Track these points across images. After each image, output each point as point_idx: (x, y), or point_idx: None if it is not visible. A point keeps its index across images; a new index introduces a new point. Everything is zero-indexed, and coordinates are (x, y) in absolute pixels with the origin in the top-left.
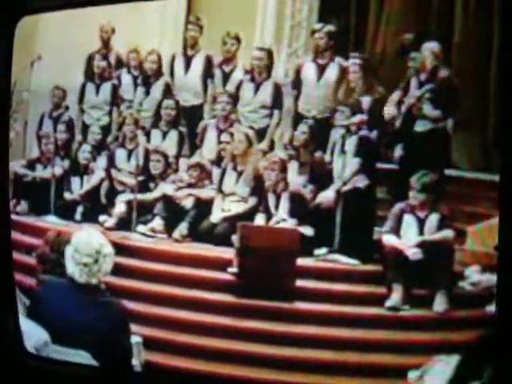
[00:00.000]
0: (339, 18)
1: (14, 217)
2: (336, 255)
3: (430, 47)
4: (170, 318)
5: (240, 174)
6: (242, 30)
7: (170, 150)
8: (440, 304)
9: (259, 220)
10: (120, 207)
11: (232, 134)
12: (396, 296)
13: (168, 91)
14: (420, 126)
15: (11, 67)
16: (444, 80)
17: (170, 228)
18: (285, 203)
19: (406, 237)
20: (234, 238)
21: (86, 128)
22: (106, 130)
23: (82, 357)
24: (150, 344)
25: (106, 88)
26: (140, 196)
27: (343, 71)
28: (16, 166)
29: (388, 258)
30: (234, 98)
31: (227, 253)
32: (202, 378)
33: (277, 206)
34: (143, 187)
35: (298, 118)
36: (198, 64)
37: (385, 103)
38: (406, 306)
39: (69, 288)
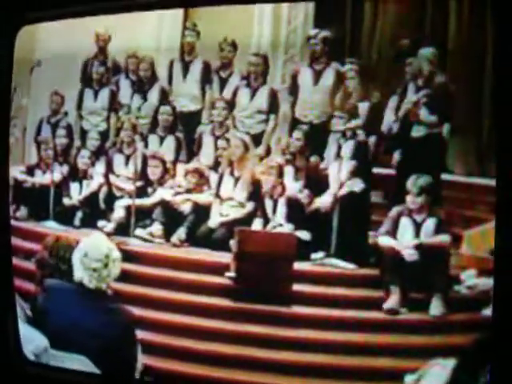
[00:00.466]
0: (335, 25)
1: (13, 222)
2: (333, 259)
3: (426, 53)
4: (168, 322)
5: (237, 179)
6: (238, 37)
7: (168, 156)
8: (436, 307)
9: (257, 225)
10: (118, 212)
11: (228, 140)
12: (394, 298)
13: (164, 97)
14: (416, 132)
15: (12, 76)
16: (440, 86)
17: (168, 233)
18: (282, 208)
19: (403, 239)
20: (232, 242)
21: (84, 134)
22: (104, 135)
23: (82, 362)
24: (147, 348)
25: (104, 94)
26: (138, 201)
27: (340, 77)
28: (15, 171)
29: (385, 260)
30: (230, 104)
31: (225, 257)
32: (199, 382)
33: (274, 211)
34: (141, 192)
35: (294, 124)
36: (195, 70)
37: (382, 109)
38: (404, 309)
39: (76, 293)
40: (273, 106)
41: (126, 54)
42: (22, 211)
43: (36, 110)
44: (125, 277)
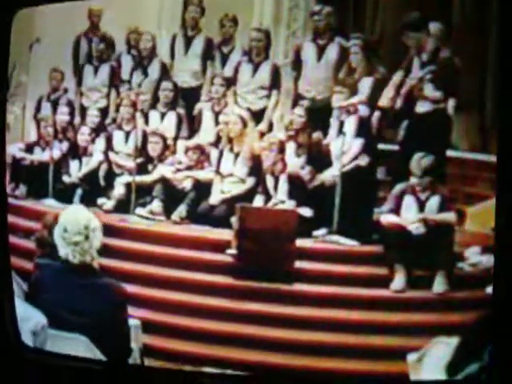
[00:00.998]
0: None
1: (12, 200)
2: (335, 236)
3: (431, 28)
4: (169, 300)
5: (237, 155)
6: (240, 12)
7: (169, 132)
8: (440, 284)
9: (258, 202)
10: (119, 190)
11: (228, 116)
12: (400, 278)
13: (165, 72)
14: (421, 107)
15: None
16: (445, 61)
17: (168, 210)
18: (283, 185)
19: (406, 217)
20: (233, 219)
21: (84, 110)
22: (104, 112)
23: (80, 342)
24: (148, 327)
25: (105, 70)
26: (138, 178)
27: (344, 52)
28: (14, 149)
29: (389, 237)
30: (229, 80)
31: (226, 234)
32: (199, 360)
33: (275, 188)
34: (141, 169)
35: (297, 99)
36: (198, 45)
37: (386, 84)
38: (407, 288)
39: (64, 271)
40: (275, 82)
41: (128, 29)
42: (21, 189)
43: (35, 87)
44: (125, 254)
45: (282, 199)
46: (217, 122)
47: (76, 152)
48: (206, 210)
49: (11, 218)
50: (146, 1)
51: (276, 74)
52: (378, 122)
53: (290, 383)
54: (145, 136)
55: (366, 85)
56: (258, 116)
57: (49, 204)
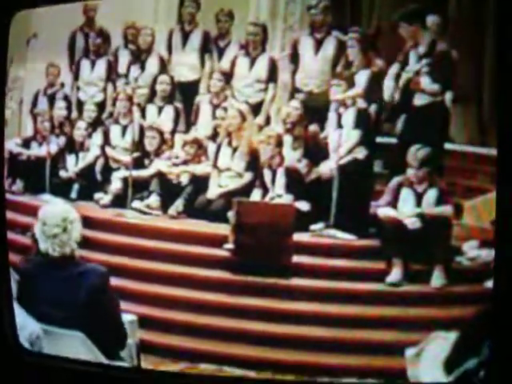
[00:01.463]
0: None
1: (9, 196)
2: (332, 230)
3: (428, 20)
4: (166, 295)
5: (235, 149)
6: (236, 7)
7: (166, 126)
8: (438, 279)
9: (255, 196)
10: (116, 184)
11: (226, 110)
12: (397, 271)
13: (163, 66)
14: (418, 100)
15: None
16: (442, 53)
17: (165, 204)
18: (280, 178)
19: (404, 210)
20: (230, 214)
21: (81, 105)
22: (101, 106)
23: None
24: (145, 322)
25: (101, 64)
26: (135, 173)
27: (341, 45)
28: (11, 144)
29: (386, 230)
30: (227, 75)
31: (223, 229)
32: (197, 356)
33: (273, 182)
34: (138, 164)
35: (295, 93)
36: (195, 39)
37: (383, 77)
38: (405, 282)
39: (45, 265)
40: (272, 75)
41: (125, 24)
42: (18, 184)
43: (32, 82)
44: (122, 249)
45: (279, 193)
46: (214, 116)
47: (73, 147)
48: (203, 204)
49: (8, 214)
50: None
51: (273, 68)
52: (376, 114)
53: (288, 378)
54: (142, 130)
55: (363, 78)
56: (255, 109)
57: (46, 199)
